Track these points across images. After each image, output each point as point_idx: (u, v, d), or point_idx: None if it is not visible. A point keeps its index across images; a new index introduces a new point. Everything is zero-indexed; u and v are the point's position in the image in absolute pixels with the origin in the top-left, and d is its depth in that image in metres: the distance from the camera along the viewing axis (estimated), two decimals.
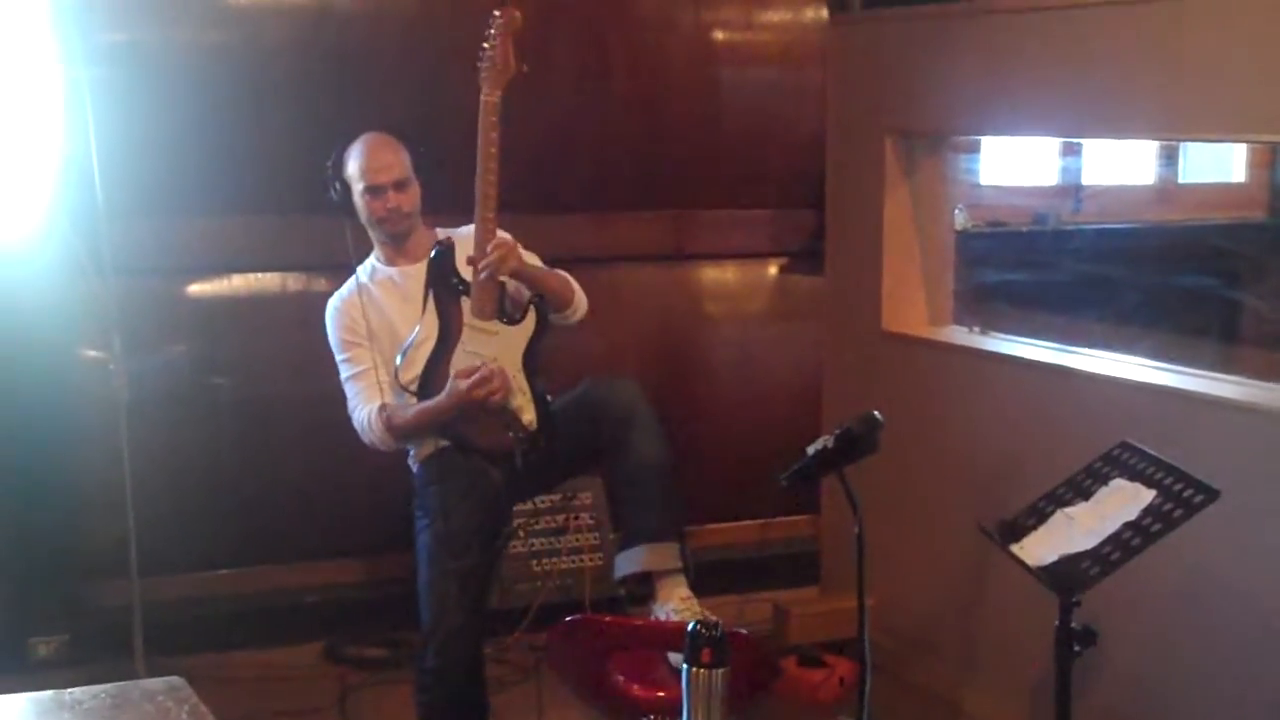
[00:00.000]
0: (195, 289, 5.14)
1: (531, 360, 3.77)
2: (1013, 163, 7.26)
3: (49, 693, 2.30)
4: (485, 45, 3.74)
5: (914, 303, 5.10)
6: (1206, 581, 3.82)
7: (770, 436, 5.37)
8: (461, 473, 3.79)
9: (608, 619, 3.94)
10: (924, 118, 4.90)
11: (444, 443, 3.83)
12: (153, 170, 4.81)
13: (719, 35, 5.68)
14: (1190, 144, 7.41)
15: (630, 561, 3.64)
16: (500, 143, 3.74)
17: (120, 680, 2.42)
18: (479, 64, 3.75)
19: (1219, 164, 8.11)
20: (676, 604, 3.53)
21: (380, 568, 5.26)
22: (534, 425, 3.72)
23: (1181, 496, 3.04)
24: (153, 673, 3.63)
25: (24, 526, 4.85)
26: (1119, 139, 6.21)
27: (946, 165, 5.15)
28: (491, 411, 3.70)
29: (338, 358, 3.96)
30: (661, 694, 3.48)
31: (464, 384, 3.66)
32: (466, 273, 3.79)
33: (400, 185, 3.91)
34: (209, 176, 4.97)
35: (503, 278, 3.77)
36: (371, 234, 4.02)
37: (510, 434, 3.71)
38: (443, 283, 3.82)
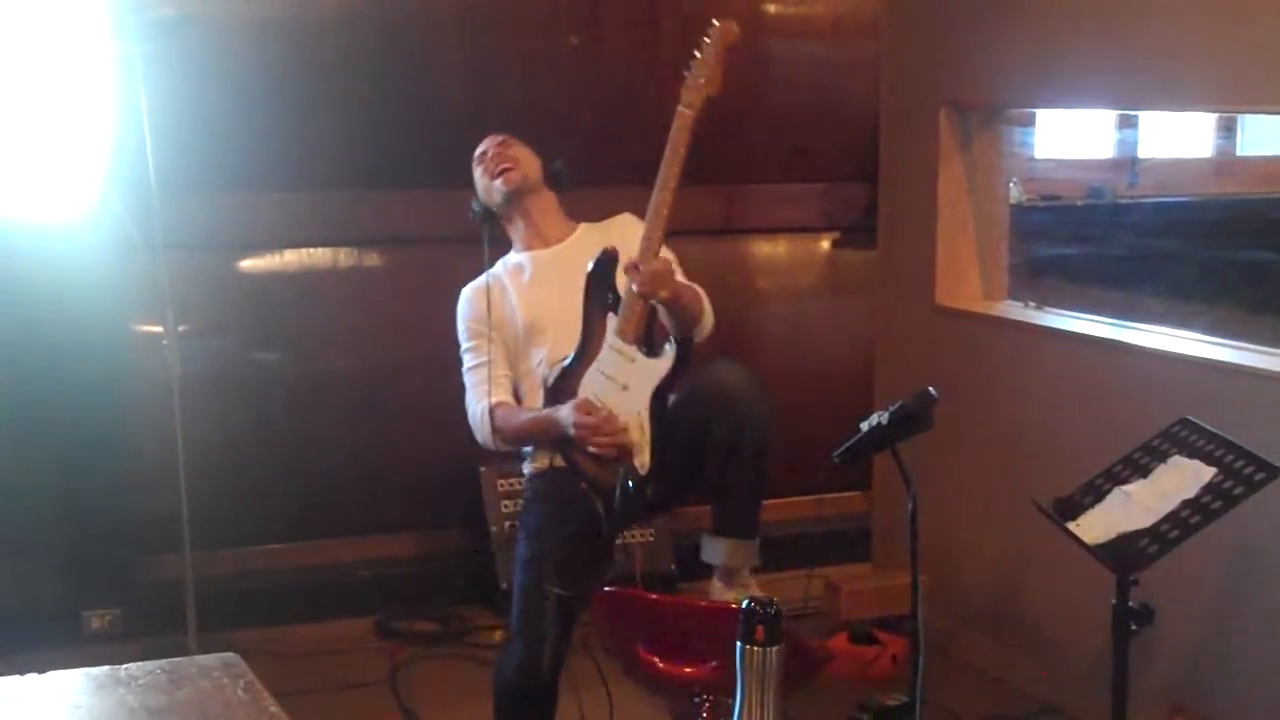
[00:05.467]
0: (247, 264, 5.15)
1: (660, 402, 3.50)
2: (1068, 136, 7.20)
3: (105, 668, 2.31)
4: (696, 54, 3.56)
5: (968, 277, 5.06)
6: (1266, 559, 3.77)
7: (821, 412, 5.33)
8: (566, 499, 3.63)
9: (639, 595, 3.92)
10: (979, 90, 4.85)
11: (556, 462, 3.67)
12: (204, 145, 4.83)
13: (771, 7, 5.64)
14: (1249, 116, 7.31)
15: (715, 552, 3.54)
16: (686, 161, 3.54)
17: (172, 653, 2.43)
18: (685, 72, 3.57)
19: (1279, 135, 8.02)
20: (737, 591, 3.49)
21: (431, 542, 5.27)
22: (644, 469, 3.47)
23: (1242, 474, 3.01)
24: (204, 646, 3.66)
25: (77, 501, 4.89)
26: (1176, 111, 6.14)
27: (1001, 138, 5.10)
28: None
29: (461, 347, 3.81)
30: (688, 670, 3.46)
31: (575, 420, 3.50)
32: (622, 283, 3.57)
33: (503, 144, 3.86)
34: (261, 151, 4.98)
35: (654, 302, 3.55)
36: (503, 220, 3.89)
37: (620, 469, 3.50)
38: (596, 293, 3.61)
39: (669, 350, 3.50)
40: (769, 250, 5.85)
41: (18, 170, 4.39)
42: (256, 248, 5.14)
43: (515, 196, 3.83)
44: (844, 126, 5.65)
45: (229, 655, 2.34)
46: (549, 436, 3.63)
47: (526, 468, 3.85)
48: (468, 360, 3.80)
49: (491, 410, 3.70)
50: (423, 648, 4.97)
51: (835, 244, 5.83)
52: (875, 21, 5.47)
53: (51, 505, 4.85)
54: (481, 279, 3.81)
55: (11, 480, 4.73)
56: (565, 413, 3.53)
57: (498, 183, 3.82)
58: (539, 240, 3.87)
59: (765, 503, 3.60)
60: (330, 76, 5.07)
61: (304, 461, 5.15)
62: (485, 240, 3.80)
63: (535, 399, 3.73)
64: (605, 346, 3.55)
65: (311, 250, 5.21)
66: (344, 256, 5.23)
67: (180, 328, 4.38)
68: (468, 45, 5.20)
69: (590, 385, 3.55)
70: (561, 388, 3.61)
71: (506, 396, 3.76)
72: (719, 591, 3.56)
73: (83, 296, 4.72)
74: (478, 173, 3.89)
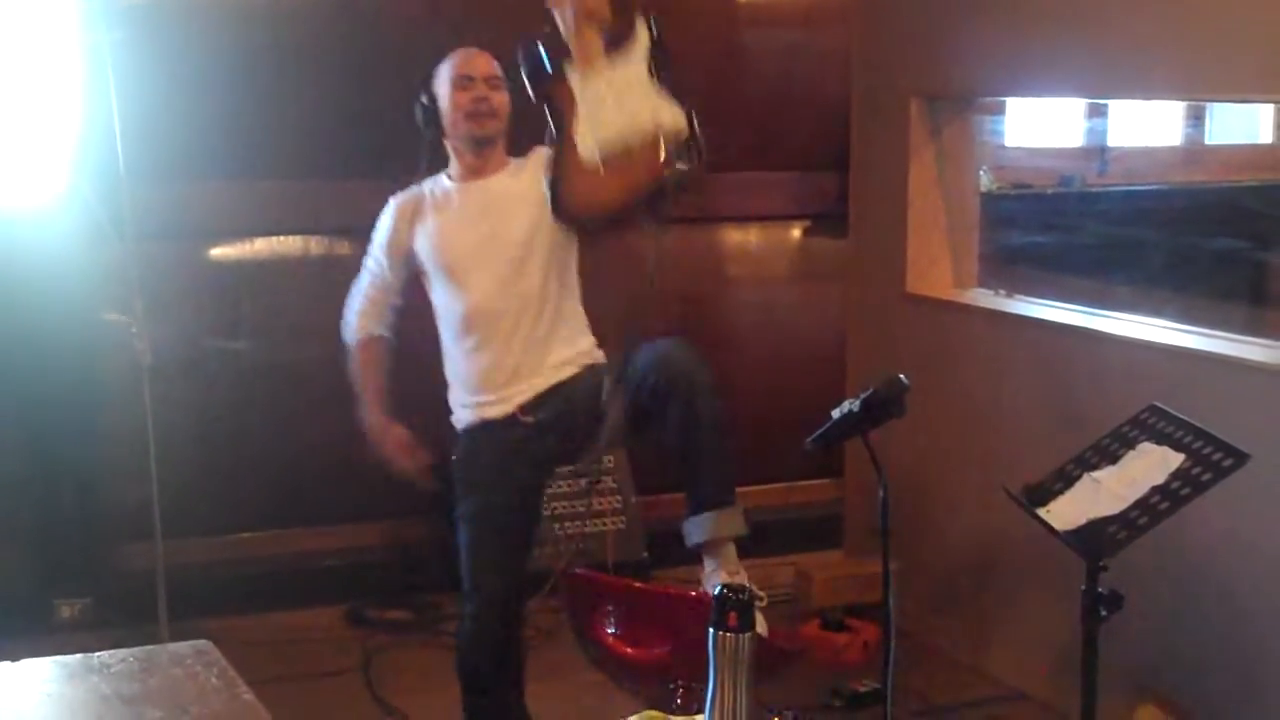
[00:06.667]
0: (217, 253, 5.14)
1: (657, 81, 3.44)
2: (1038, 124, 7.22)
3: (77, 656, 2.30)
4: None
5: (939, 265, 5.07)
6: (1234, 545, 3.80)
7: (793, 399, 5.34)
8: (504, 449, 3.73)
9: (605, 578, 3.94)
10: (949, 79, 4.86)
11: (487, 415, 3.74)
12: (174, 134, 4.81)
13: None
14: (1217, 104, 7.34)
15: (699, 529, 3.55)
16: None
17: (143, 642, 2.42)
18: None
19: (1247, 124, 8.07)
20: (724, 576, 3.50)
21: (403, 531, 5.26)
22: (685, 135, 3.42)
23: (1210, 460, 3.02)
24: (175, 635, 3.66)
25: (48, 490, 4.88)
26: (1145, 100, 6.16)
27: (972, 127, 5.12)
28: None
29: (372, 243, 3.88)
30: (653, 654, 3.48)
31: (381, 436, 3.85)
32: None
33: (491, 81, 3.74)
34: (230, 140, 4.96)
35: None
36: (452, 143, 3.80)
37: (670, 141, 3.41)
38: (536, 76, 3.52)
39: (640, 29, 3.45)
40: (740, 238, 5.86)
41: None
42: (226, 236, 5.13)
43: (480, 144, 3.78)
44: (815, 115, 5.65)
45: (201, 643, 2.34)
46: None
47: (457, 422, 3.86)
48: (370, 265, 3.88)
49: (361, 345, 3.88)
50: (394, 636, 4.97)
51: (806, 232, 5.84)
52: (846, 10, 5.47)
53: (22, 494, 4.83)
54: (411, 193, 3.84)
55: None
56: (370, 420, 3.86)
57: (471, 124, 3.74)
58: (473, 174, 3.82)
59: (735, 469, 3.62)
60: (301, 64, 5.05)
61: (275, 450, 5.13)
62: (424, 147, 3.79)
63: (447, 338, 3.81)
64: (578, 96, 3.47)
65: (282, 238, 5.19)
66: (315, 245, 5.22)
67: (150, 316, 4.36)
68: (442, 33, 5.18)
69: (588, 121, 3.46)
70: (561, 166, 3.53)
71: (383, 329, 3.88)
72: (709, 578, 3.55)
73: (52, 285, 4.70)
74: (446, 88, 3.77)
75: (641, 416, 3.61)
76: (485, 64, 3.78)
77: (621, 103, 3.44)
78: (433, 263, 3.78)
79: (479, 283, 3.73)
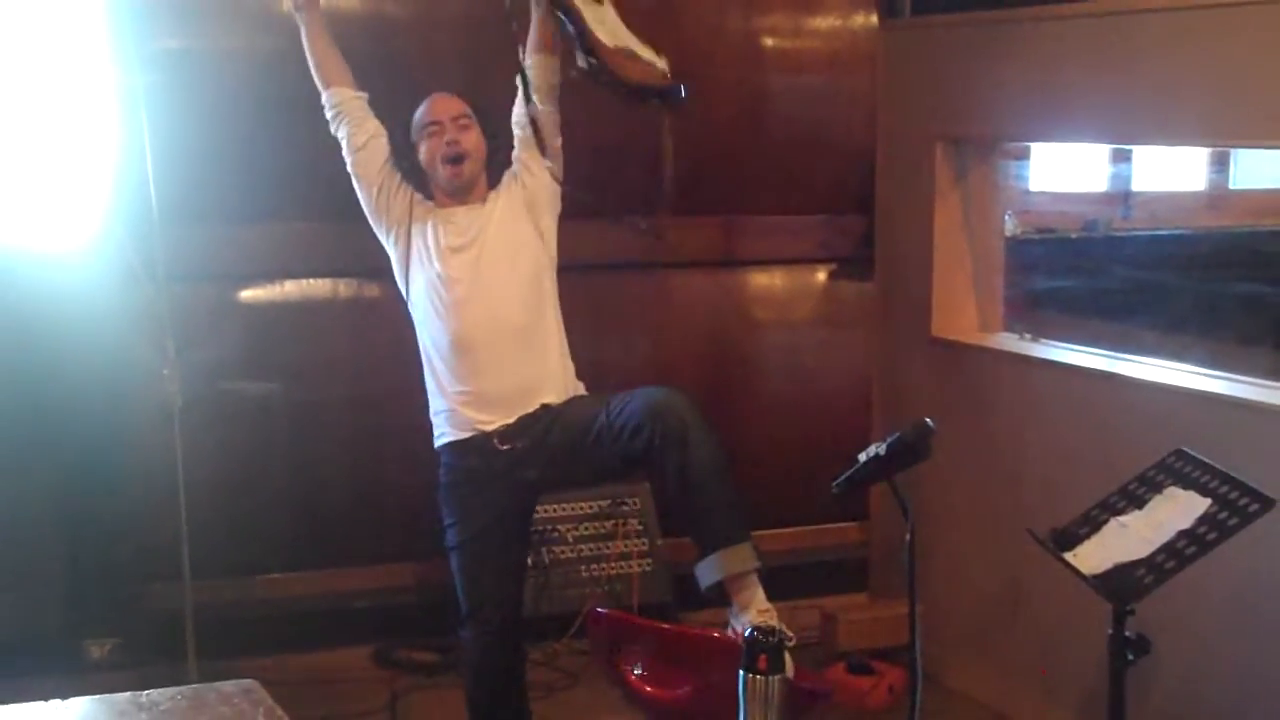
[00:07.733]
0: (248, 294, 5.17)
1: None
2: (1063, 169, 7.24)
3: (125, 694, 2.31)
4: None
5: (964, 309, 5.08)
6: (1261, 589, 3.79)
7: (818, 442, 5.37)
8: (483, 477, 3.79)
9: (631, 619, 3.95)
10: (974, 124, 4.89)
11: (463, 435, 3.81)
12: (206, 176, 4.85)
13: (768, 41, 5.67)
14: (1241, 150, 7.35)
15: (709, 571, 3.58)
16: None
17: (171, 682, 2.44)
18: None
19: (1272, 169, 8.07)
20: (754, 616, 3.51)
21: (431, 571, 5.26)
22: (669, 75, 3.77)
23: (1236, 505, 3.03)
24: (204, 676, 3.67)
25: (78, 529, 4.90)
26: (1169, 145, 6.18)
27: (997, 171, 5.14)
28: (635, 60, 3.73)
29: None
30: (678, 695, 3.49)
31: None
32: None
33: (460, 120, 3.88)
34: (262, 183, 5.00)
35: None
36: (433, 186, 3.95)
37: (660, 69, 3.75)
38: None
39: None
40: (766, 281, 5.87)
41: (21, 200, 4.42)
42: (257, 278, 5.16)
43: (458, 189, 3.88)
44: (840, 159, 5.67)
45: (248, 682, 2.35)
46: None
47: (436, 435, 3.92)
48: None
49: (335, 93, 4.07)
50: (421, 677, 4.98)
51: (832, 275, 5.85)
52: (871, 55, 5.51)
53: (52, 534, 4.86)
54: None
55: (12, 509, 4.73)
56: None
57: (446, 170, 3.86)
58: (454, 201, 3.92)
59: (748, 509, 3.65)
60: None
61: (303, 491, 5.15)
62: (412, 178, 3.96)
63: (429, 351, 3.89)
64: (583, 9, 3.73)
65: (311, 281, 5.22)
66: (344, 287, 5.25)
67: (181, 358, 4.39)
68: (468, 76, 5.23)
69: (600, 30, 3.74)
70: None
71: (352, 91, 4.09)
72: (736, 618, 3.56)
73: (84, 326, 4.73)
74: (424, 138, 3.89)
75: (634, 465, 3.69)
76: (452, 105, 3.91)
77: (618, 28, 3.75)
78: (423, 264, 3.87)
79: (460, 307, 3.81)
